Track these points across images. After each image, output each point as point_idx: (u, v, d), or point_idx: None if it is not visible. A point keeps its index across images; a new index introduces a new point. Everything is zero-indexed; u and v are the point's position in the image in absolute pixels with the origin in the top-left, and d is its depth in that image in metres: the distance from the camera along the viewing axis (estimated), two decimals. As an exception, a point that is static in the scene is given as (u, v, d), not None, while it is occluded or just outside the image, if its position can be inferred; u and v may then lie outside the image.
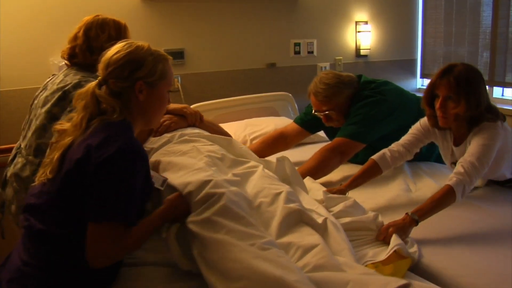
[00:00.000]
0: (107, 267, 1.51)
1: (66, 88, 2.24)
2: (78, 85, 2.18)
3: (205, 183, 1.74)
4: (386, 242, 1.91)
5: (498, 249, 1.91)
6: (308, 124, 3.09)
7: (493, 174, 2.43)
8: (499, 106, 2.69)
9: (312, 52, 4.55)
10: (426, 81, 4.95)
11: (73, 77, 2.28)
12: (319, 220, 1.84)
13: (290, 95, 4.12)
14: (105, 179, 1.47)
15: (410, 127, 2.52)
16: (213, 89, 4.04)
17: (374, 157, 2.45)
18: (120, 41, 1.70)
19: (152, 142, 2.30)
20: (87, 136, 1.55)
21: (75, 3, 3.44)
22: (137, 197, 1.53)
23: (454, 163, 2.31)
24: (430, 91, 2.29)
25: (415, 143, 2.47)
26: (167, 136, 2.31)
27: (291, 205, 1.83)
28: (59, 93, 2.24)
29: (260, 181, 1.98)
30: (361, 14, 4.75)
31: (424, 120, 2.44)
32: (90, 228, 1.47)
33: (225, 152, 2.18)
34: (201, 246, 1.59)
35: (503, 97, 4.50)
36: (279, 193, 1.90)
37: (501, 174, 2.43)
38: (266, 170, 2.10)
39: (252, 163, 2.15)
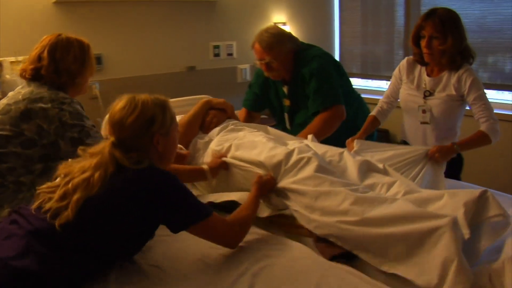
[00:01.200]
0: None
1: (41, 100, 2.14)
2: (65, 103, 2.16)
3: (291, 151, 2.16)
4: (434, 160, 2.44)
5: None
6: (253, 105, 3.37)
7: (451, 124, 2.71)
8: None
9: (231, 54, 4.53)
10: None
11: (52, 92, 2.18)
12: (380, 165, 2.27)
13: (211, 97, 4.05)
14: (169, 195, 1.67)
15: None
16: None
17: (373, 113, 2.91)
18: (122, 99, 1.78)
19: (207, 136, 2.73)
20: (117, 186, 1.63)
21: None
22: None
23: (422, 107, 2.67)
24: (416, 32, 2.61)
25: (396, 90, 2.87)
26: (218, 129, 2.76)
27: (357, 158, 2.29)
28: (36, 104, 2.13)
29: (318, 147, 2.42)
30: (279, 15, 4.77)
31: (402, 64, 2.82)
32: (196, 232, 1.75)
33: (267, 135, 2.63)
34: (310, 198, 1.96)
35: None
36: (342, 152, 2.35)
37: (454, 130, 2.72)
38: (308, 141, 2.55)
39: (295, 139, 2.64)
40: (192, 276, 1.70)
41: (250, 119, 3.34)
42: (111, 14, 3.80)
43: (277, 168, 2.15)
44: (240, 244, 1.87)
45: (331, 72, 3.01)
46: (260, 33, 3.02)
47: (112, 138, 1.72)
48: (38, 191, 1.70)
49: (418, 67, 2.75)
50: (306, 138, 2.71)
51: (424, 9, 4.37)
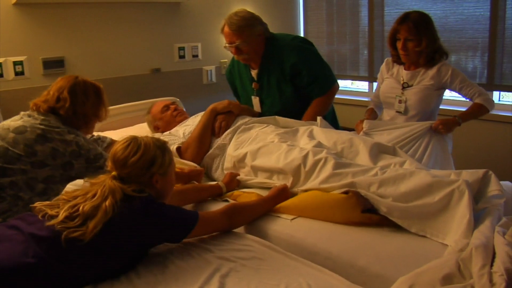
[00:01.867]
0: None
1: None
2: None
3: (306, 154, 2.35)
4: (438, 132, 2.72)
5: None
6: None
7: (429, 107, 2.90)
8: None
9: (197, 56, 4.50)
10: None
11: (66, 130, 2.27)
12: (389, 145, 2.55)
13: (178, 99, 4.02)
14: (166, 223, 1.83)
15: None
16: (96, 98, 3.84)
17: (370, 106, 3.18)
18: (124, 138, 1.89)
19: (221, 140, 2.85)
20: (126, 213, 1.73)
21: None
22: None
23: (399, 97, 2.88)
24: (392, 35, 2.82)
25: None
26: (230, 132, 2.87)
27: (368, 141, 2.53)
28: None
29: (328, 134, 2.65)
30: (244, 16, 4.74)
31: (382, 66, 3.08)
32: (194, 235, 1.93)
33: (277, 127, 2.86)
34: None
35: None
36: (351, 138, 2.56)
37: (431, 118, 2.87)
38: (317, 127, 2.78)
39: (303, 128, 2.80)
40: (163, 279, 1.70)
41: None
42: (73, 16, 3.73)
43: (297, 172, 2.34)
44: (207, 245, 1.93)
45: (319, 54, 3.19)
46: (229, 16, 3.02)
47: (113, 172, 1.84)
48: (36, 207, 1.77)
49: (396, 64, 2.99)
50: (314, 119, 2.96)
51: (387, 9, 4.44)
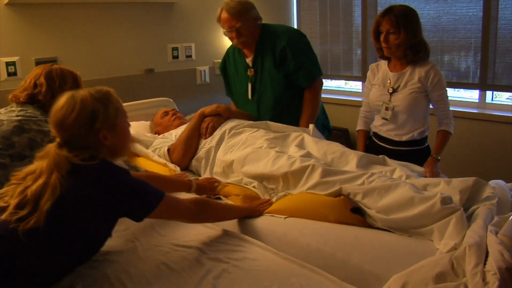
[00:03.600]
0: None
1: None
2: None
3: (294, 162, 2.35)
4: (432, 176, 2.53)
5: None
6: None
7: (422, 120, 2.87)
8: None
9: (190, 56, 4.49)
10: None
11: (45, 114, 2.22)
12: (379, 156, 2.58)
13: (171, 100, 4.02)
14: (124, 189, 1.69)
15: None
16: (89, 98, 3.82)
17: (360, 127, 3.14)
18: (60, 98, 1.72)
19: (207, 143, 2.88)
20: (74, 187, 1.61)
21: None
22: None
23: (386, 104, 2.84)
24: (376, 28, 2.81)
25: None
26: (218, 134, 2.89)
27: (359, 152, 2.57)
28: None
29: (319, 144, 2.65)
30: (237, 17, 4.74)
31: (368, 72, 3.05)
32: (157, 216, 1.79)
33: (268, 132, 2.86)
34: None
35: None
36: (342, 149, 2.59)
37: (423, 121, 2.86)
38: (309, 136, 2.78)
39: (294, 134, 2.82)
40: (154, 281, 1.69)
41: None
42: (66, 16, 3.71)
43: (285, 179, 2.37)
44: (201, 246, 1.90)
45: (310, 46, 3.28)
46: (226, 3, 3.12)
47: (57, 139, 1.71)
48: None
49: (382, 67, 2.95)
50: (307, 126, 3.01)
51: (381, 9, 4.41)
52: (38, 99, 2.28)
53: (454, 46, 4.04)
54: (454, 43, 4.03)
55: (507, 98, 3.99)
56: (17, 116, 2.17)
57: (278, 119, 3.10)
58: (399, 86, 2.80)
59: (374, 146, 2.99)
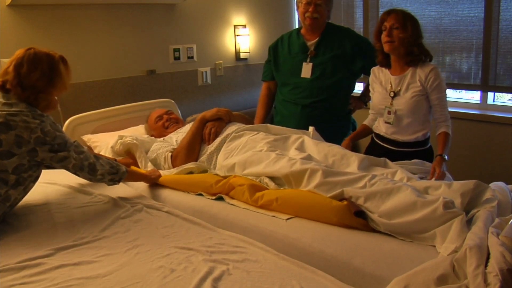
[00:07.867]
0: None
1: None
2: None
3: (294, 163, 2.38)
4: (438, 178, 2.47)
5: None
6: (272, 75, 3.62)
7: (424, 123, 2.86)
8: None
9: (192, 57, 4.48)
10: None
11: (29, 108, 2.16)
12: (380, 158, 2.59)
13: (173, 101, 4.02)
14: None
15: None
16: (91, 100, 3.84)
17: (365, 122, 3.12)
18: None
19: (210, 147, 2.93)
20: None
21: None
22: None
23: (388, 108, 2.83)
24: (379, 27, 2.81)
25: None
26: (220, 138, 2.94)
27: (360, 154, 2.59)
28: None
29: (320, 146, 2.67)
30: (239, 18, 4.76)
31: (370, 76, 3.03)
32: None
33: (268, 135, 2.87)
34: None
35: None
36: (343, 151, 2.61)
37: (425, 123, 2.85)
38: (310, 138, 2.80)
39: (294, 136, 2.84)
40: (153, 285, 1.67)
41: (269, 90, 3.68)
42: (68, 17, 3.71)
43: (287, 179, 2.38)
44: (199, 247, 1.89)
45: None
46: None
47: None
48: None
49: (383, 71, 2.93)
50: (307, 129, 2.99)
51: (382, 11, 4.42)
52: (7, 89, 2.15)
53: (456, 47, 4.04)
54: (456, 45, 4.03)
55: (509, 100, 3.99)
56: (2, 111, 2.09)
57: (330, 98, 3.31)
58: (400, 89, 2.79)
59: (377, 148, 2.97)
